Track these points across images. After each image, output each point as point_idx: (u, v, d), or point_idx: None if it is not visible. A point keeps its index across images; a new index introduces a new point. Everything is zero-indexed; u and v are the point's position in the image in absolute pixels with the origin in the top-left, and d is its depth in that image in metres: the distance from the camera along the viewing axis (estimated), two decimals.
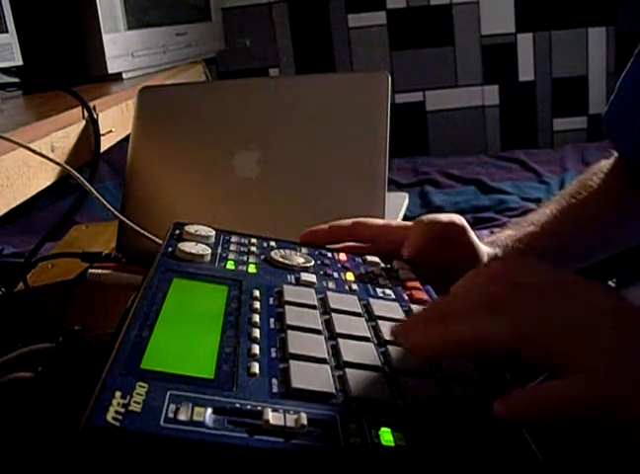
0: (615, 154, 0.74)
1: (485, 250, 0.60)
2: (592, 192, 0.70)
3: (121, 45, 1.27)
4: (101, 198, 0.74)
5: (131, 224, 0.73)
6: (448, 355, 0.36)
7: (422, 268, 0.55)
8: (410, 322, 0.36)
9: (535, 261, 0.40)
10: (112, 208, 0.74)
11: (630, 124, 0.70)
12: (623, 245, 0.73)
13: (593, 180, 0.71)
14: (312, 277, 0.49)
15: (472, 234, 0.58)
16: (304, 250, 0.55)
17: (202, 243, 0.51)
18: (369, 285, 0.50)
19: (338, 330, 0.41)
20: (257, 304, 0.42)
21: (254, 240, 0.55)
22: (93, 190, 0.75)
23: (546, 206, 0.70)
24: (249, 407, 0.31)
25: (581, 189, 0.71)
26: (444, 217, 0.57)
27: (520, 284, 0.36)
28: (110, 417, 0.28)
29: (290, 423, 0.30)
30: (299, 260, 0.52)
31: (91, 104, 0.90)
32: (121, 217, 0.75)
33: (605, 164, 0.74)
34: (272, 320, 0.41)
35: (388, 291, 0.50)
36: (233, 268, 0.48)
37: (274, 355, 0.37)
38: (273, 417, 0.30)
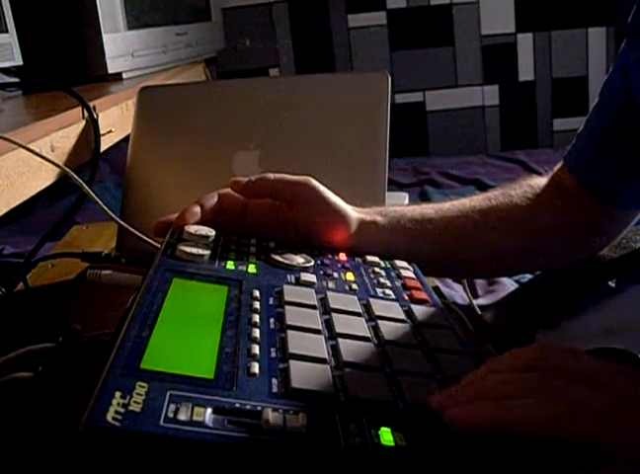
0: (551, 174, 0.74)
1: (355, 215, 0.61)
2: (505, 202, 0.70)
3: (121, 45, 1.27)
4: (99, 202, 0.74)
5: (128, 227, 0.73)
6: (481, 429, 0.34)
7: (273, 225, 0.59)
8: (446, 396, 0.36)
9: (571, 349, 0.40)
10: (110, 212, 0.74)
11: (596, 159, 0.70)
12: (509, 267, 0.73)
13: (515, 190, 0.71)
14: (312, 277, 0.49)
15: (328, 195, 0.59)
16: (304, 250, 0.55)
17: (202, 243, 0.51)
18: (369, 285, 0.50)
19: (338, 330, 0.41)
20: (257, 304, 0.42)
21: (254, 240, 0.55)
22: (92, 193, 0.75)
23: (463, 199, 0.70)
24: (249, 407, 0.31)
25: (500, 195, 0.71)
26: (293, 178, 0.59)
27: (561, 371, 0.36)
28: (110, 417, 0.28)
29: (290, 423, 0.30)
30: (299, 260, 0.52)
31: (91, 104, 0.90)
32: (119, 221, 0.75)
33: (539, 181, 0.74)
34: (272, 320, 0.41)
35: (388, 291, 0.50)
36: (233, 268, 0.48)
37: (273, 354, 0.37)
38: (272, 417, 0.30)
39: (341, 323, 0.42)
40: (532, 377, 0.36)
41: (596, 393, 0.34)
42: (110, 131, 0.94)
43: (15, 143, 0.69)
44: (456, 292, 0.93)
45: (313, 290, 0.46)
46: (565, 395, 0.34)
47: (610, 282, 0.71)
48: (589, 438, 0.32)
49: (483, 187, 1.78)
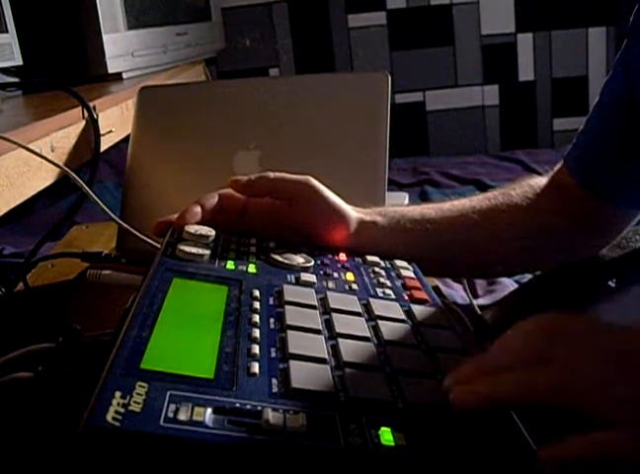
0: (551, 174, 0.74)
1: (354, 215, 0.61)
2: (505, 202, 0.70)
3: (121, 45, 1.27)
4: (99, 202, 0.74)
5: (128, 227, 0.73)
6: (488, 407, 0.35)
7: (272, 225, 0.59)
8: (455, 375, 0.37)
9: (582, 318, 0.41)
10: (110, 212, 0.74)
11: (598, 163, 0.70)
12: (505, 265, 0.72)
13: (515, 190, 0.71)
14: (312, 277, 0.49)
15: (328, 194, 0.59)
16: (304, 250, 0.55)
17: (202, 243, 0.51)
18: (369, 285, 0.50)
19: (338, 330, 0.41)
20: (257, 304, 0.42)
21: (254, 240, 0.55)
22: (92, 193, 0.75)
23: (463, 199, 0.70)
24: (249, 407, 0.31)
25: (500, 195, 0.70)
26: (293, 177, 0.59)
27: (566, 340, 0.37)
28: (110, 417, 0.28)
29: (290, 423, 0.30)
30: (299, 260, 0.52)
31: (91, 104, 0.90)
32: (119, 221, 0.75)
33: (539, 181, 0.73)
34: (272, 320, 0.41)
35: (388, 291, 0.50)
36: (233, 267, 0.48)
37: (274, 354, 0.37)
38: (273, 417, 0.30)
39: (341, 323, 0.42)
40: (541, 346, 0.37)
41: (598, 358, 0.34)
42: (110, 131, 0.94)
43: (15, 143, 0.69)
44: (456, 292, 0.93)
45: (313, 290, 0.46)
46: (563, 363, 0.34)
47: (610, 282, 0.71)
48: (586, 405, 0.32)
49: (483, 187, 1.78)
